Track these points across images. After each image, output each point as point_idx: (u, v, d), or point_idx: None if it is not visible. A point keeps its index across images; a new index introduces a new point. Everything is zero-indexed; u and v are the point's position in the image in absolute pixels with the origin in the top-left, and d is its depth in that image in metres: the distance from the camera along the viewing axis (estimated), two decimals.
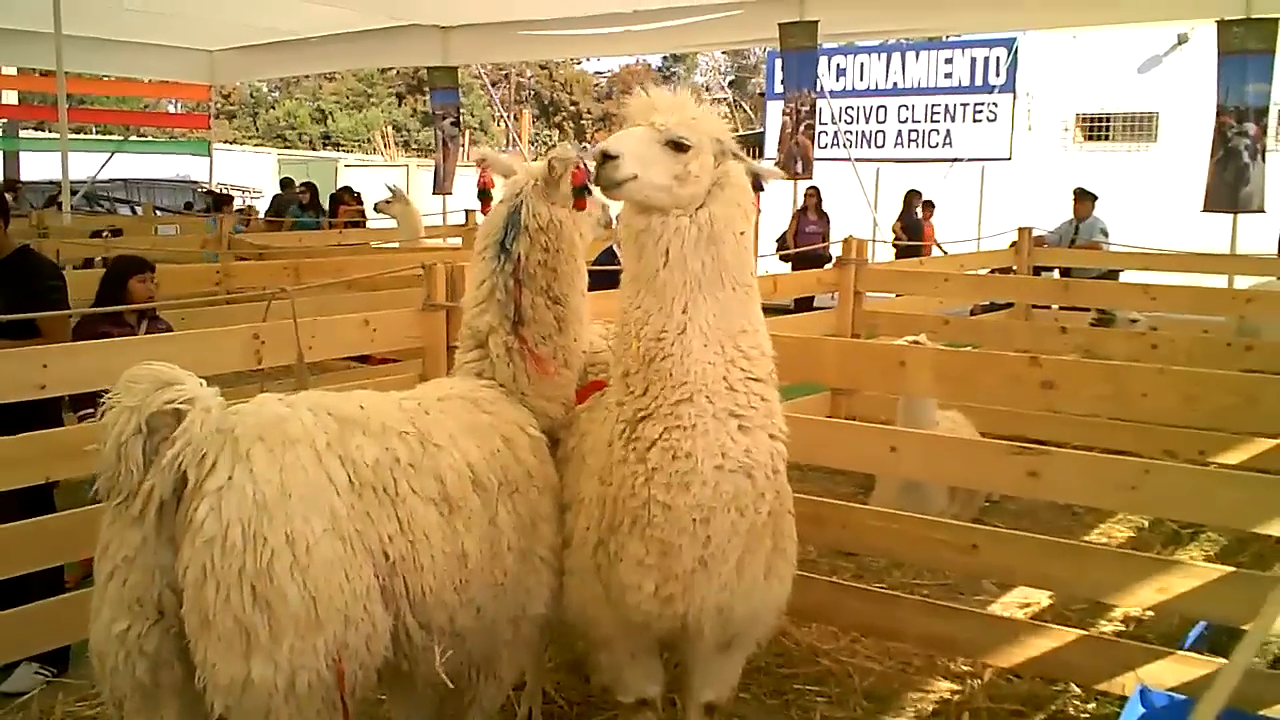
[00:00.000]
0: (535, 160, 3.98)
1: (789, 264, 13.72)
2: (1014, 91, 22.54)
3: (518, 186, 3.82)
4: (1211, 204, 12.38)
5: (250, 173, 29.88)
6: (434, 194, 19.26)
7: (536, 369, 3.77)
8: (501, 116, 30.87)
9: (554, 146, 3.85)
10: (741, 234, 3.29)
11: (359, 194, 17.63)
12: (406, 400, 3.46)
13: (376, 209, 14.05)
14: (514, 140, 26.45)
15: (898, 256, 15.16)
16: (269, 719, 2.81)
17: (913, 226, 15.76)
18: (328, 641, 2.82)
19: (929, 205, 16.53)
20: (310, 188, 17.91)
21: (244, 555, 2.74)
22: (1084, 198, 12.84)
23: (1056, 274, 11.41)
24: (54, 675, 4.85)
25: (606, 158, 3.11)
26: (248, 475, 2.81)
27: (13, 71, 23.23)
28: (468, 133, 27.18)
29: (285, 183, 21.02)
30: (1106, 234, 12.67)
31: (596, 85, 58.13)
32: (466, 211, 13.81)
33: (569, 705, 4.68)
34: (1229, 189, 12.21)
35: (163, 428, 2.83)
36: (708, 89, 49.90)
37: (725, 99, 38.56)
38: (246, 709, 2.80)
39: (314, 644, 2.80)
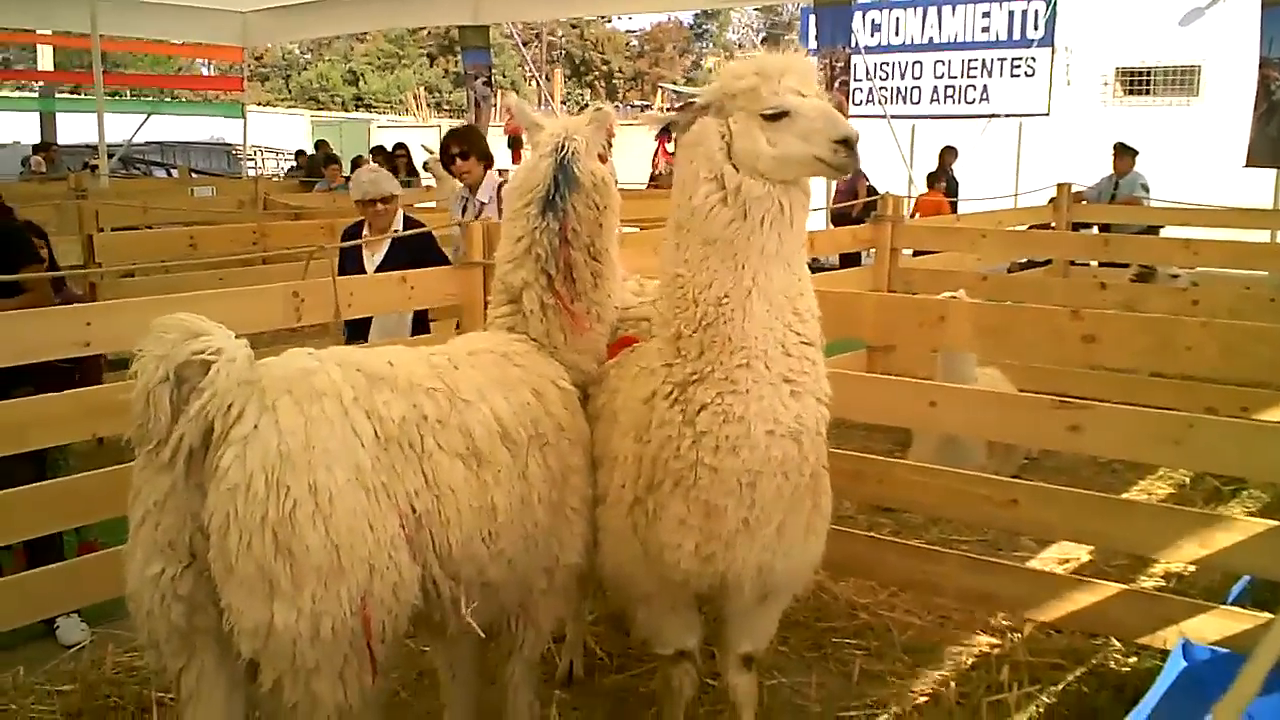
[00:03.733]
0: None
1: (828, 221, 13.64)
2: (1052, 45, 22.09)
3: (558, 141, 3.77)
4: (1254, 158, 12.18)
5: (283, 135, 29.96)
6: None
7: (571, 324, 3.78)
8: (533, 76, 30.67)
9: (588, 106, 3.80)
10: None
11: (407, 150, 17.35)
12: (436, 355, 3.46)
13: (425, 167, 14.08)
14: (546, 100, 26.30)
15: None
16: (295, 664, 2.85)
17: (949, 183, 15.56)
18: (351, 589, 2.85)
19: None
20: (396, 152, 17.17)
21: (266, 503, 2.77)
22: (1124, 153, 12.64)
23: (1095, 231, 11.26)
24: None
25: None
26: (273, 426, 2.83)
27: (48, 34, 23.31)
28: (499, 93, 27.03)
29: (319, 144, 21.03)
30: (1147, 189, 12.48)
31: (628, 44, 57.77)
32: (499, 171, 13.74)
33: (609, 657, 4.72)
34: (1272, 143, 12.00)
35: (191, 377, 2.85)
36: (740, 46, 49.44)
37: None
38: (272, 653, 2.85)
39: (337, 591, 2.82)
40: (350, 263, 6.22)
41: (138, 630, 3.06)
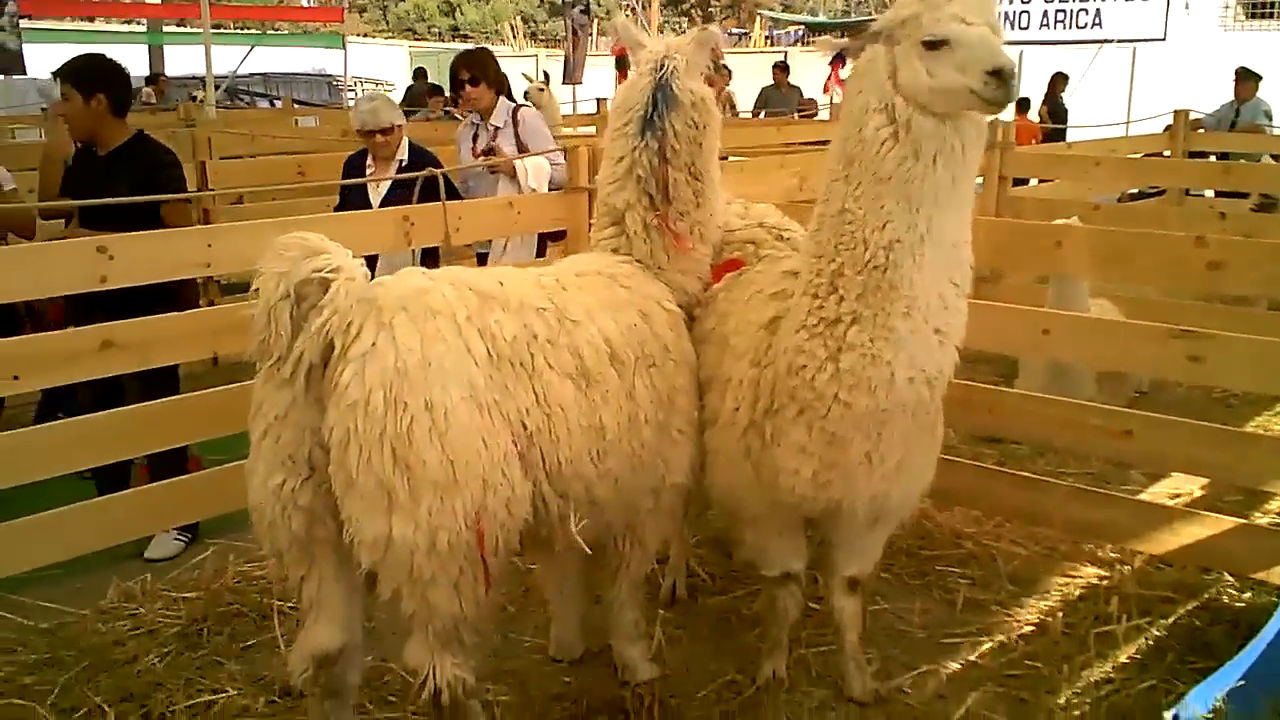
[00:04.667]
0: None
1: None
2: None
3: (657, 61, 3.73)
4: None
5: (382, 66, 30.15)
6: (564, 84, 19.13)
7: (675, 244, 3.77)
8: (630, 4, 30.38)
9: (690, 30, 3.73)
10: None
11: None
12: (545, 277, 3.49)
13: (527, 95, 14.14)
14: (644, 28, 26.00)
15: (1042, 141, 14.53)
16: (413, 575, 2.92)
17: (1058, 110, 15.09)
18: (466, 503, 2.90)
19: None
20: None
21: (385, 419, 2.83)
22: (1247, 78, 12.09)
23: (1213, 160, 10.82)
24: (190, 541, 5.21)
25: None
26: (390, 343, 2.88)
27: None
28: (596, 22, 26.83)
29: (418, 74, 21.12)
30: (1270, 117, 11.96)
31: None
32: (597, 100, 13.75)
33: (712, 579, 4.77)
34: None
35: (310, 295, 2.91)
36: None
37: None
38: (390, 565, 2.93)
39: (452, 505, 2.88)
40: (355, 196, 6.10)
41: (260, 540, 3.19)
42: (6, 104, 15.74)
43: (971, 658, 4.14)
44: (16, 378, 4.14)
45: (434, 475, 2.86)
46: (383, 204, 5.96)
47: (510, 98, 6.88)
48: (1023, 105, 14.74)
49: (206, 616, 4.45)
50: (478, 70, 6.52)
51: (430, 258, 5.67)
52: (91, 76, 5.18)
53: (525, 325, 3.18)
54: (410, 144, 6.29)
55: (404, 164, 6.09)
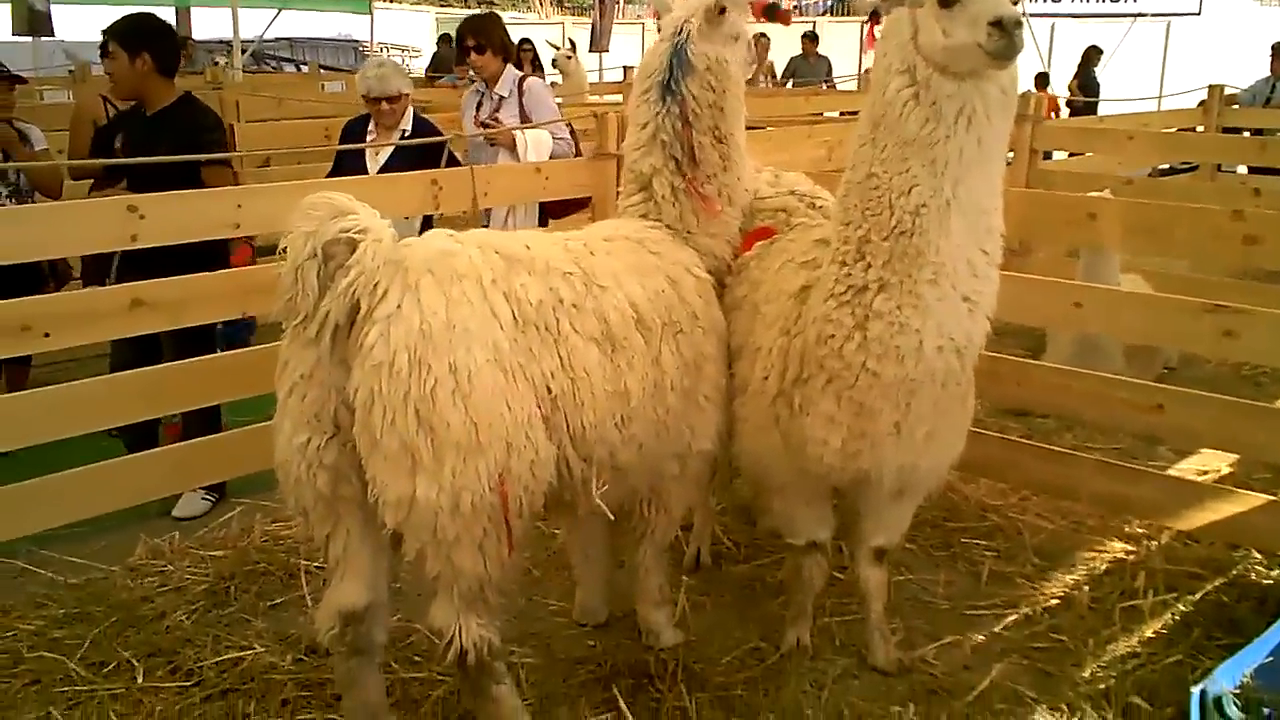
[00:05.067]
0: None
1: None
2: None
3: (676, 25, 3.73)
4: None
5: (409, 32, 30.04)
6: (590, 51, 19.01)
7: (703, 207, 3.76)
8: None
9: None
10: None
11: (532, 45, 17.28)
12: (572, 241, 3.48)
13: (554, 63, 14.09)
14: None
15: (1072, 115, 14.39)
16: (437, 536, 2.93)
17: (1090, 84, 14.92)
18: (489, 465, 2.90)
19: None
20: None
21: (409, 380, 2.83)
22: None
23: (1248, 135, 10.67)
24: (216, 500, 5.24)
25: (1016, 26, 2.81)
26: (415, 305, 2.87)
27: None
28: None
29: (444, 39, 21.02)
30: None
31: None
32: (624, 68, 13.64)
33: (737, 547, 4.77)
34: None
35: (338, 254, 2.91)
36: None
37: None
38: (415, 526, 2.94)
39: (475, 467, 2.88)
40: (350, 162, 5.94)
41: (285, 498, 3.18)
42: (35, 66, 15.75)
43: (996, 630, 4.13)
44: (48, 335, 4.16)
45: (457, 437, 2.86)
46: (381, 173, 5.79)
47: (521, 65, 6.71)
48: (1042, 80, 14.57)
49: (234, 575, 4.49)
50: (483, 37, 6.31)
51: (427, 228, 5.58)
52: (137, 35, 5.17)
53: (551, 289, 3.17)
54: (414, 114, 6.17)
55: (406, 134, 5.96)
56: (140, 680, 3.76)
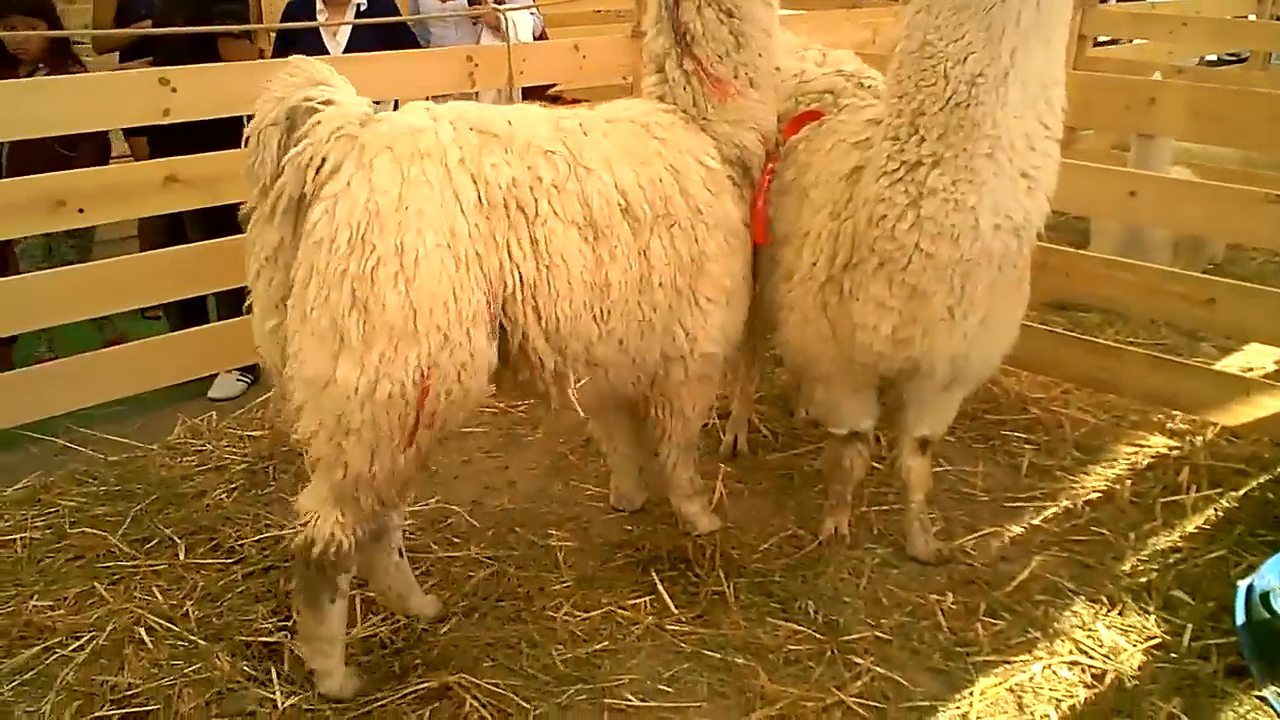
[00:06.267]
0: None
1: None
2: None
3: None
4: None
5: None
6: None
7: (714, 90, 3.46)
8: None
9: None
10: None
11: None
12: (567, 119, 3.25)
13: None
14: None
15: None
16: (339, 420, 2.79)
17: None
18: (420, 356, 2.76)
19: None
20: None
21: (349, 258, 2.70)
22: None
23: None
24: (252, 382, 5.23)
25: None
26: (365, 183, 2.74)
27: None
28: None
29: None
30: None
31: None
32: None
33: (774, 436, 4.74)
34: None
35: (303, 125, 2.79)
36: None
37: None
38: (322, 405, 2.79)
39: (405, 355, 2.74)
40: (306, 42, 5.42)
41: (269, 379, 3.09)
42: None
43: (1035, 522, 4.10)
44: (81, 210, 4.11)
45: (392, 319, 2.72)
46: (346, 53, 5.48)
47: None
48: None
49: (271, 455, 4.51)
50: None
51: None
52: None
53: (530, 168, 2.98)
54: None
55: (363, 8, 5.66)
56: (183, 556, 3.80)
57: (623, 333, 3.20)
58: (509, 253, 2.92)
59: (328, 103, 2.80)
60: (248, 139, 2.82)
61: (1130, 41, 9.28)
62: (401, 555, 3.45)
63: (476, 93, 5.44)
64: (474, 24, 5.94)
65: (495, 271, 2.89)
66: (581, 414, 3.28)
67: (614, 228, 3.11)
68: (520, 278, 2.94)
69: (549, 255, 2.97)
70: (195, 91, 4.18)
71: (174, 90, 4.10)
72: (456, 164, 2.86)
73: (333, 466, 2.87)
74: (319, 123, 2.77)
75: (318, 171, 2.76)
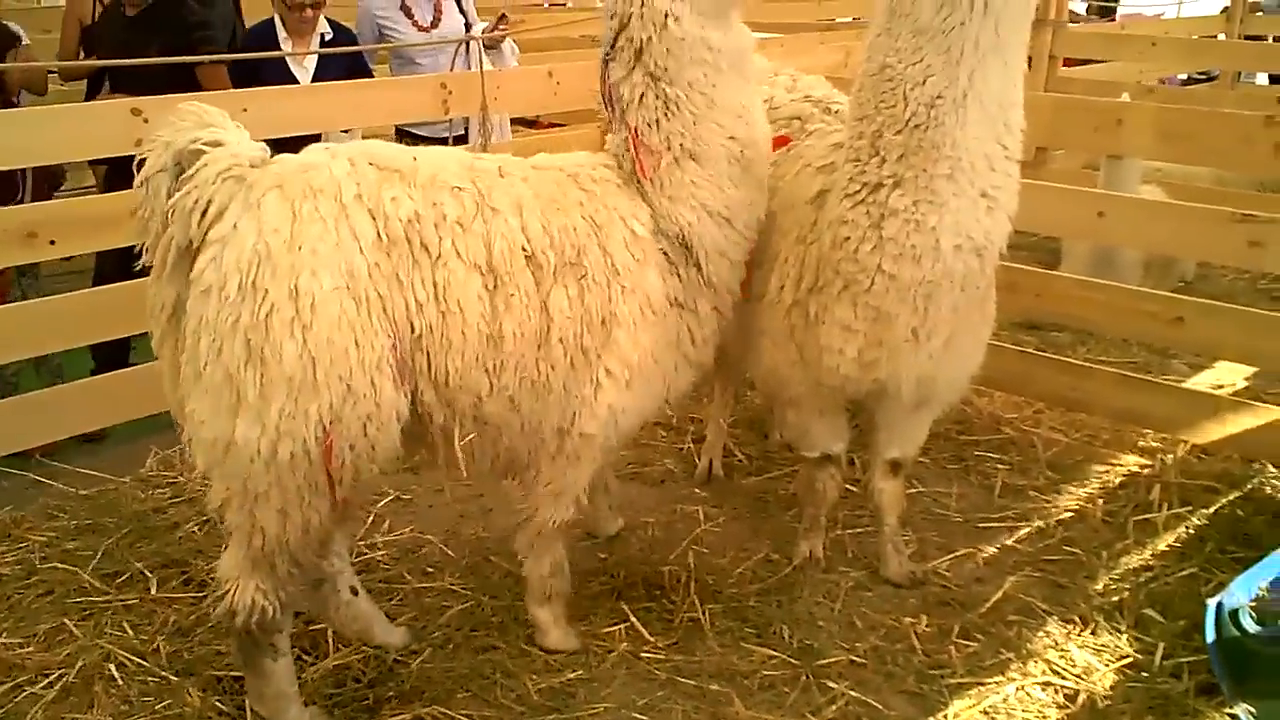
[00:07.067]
0: None
1: None
2: None
3: None
4: None
5: None
6: None
7: (647, 160, 3.09)
8: None
9: None
10: None
11: None
12: (483, 160, 3.05)
13: None
14: None
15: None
16: (246, 485, 2.67)
17: None
18: (322, 409, 2.60)
19: None
20: None
21: (240, 306, 2.55)
22: None
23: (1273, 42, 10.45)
24: None
25: None
26: (253, 225, 2.58)
27: None
28: None
29: None
30: None
31: None
32: None
33: (748, 459, 4.75)
34: None
35: (190, 168, 2.65)
36: None
37: None
38: (227, 470, 2.67)
39: (306, 409, 2.58)
40: (272, 73, 5.34)
41: None
42: None
43: (1009, 542, 4.12)
44: (53, 242, 4.10)
45: (290, 370, 2.56)
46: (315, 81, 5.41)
47: None
48: None
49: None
50: None
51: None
52: None
53: (434, 204, 2.80)
54: (325, 18, 5.70)
55: (327, 38, 5.59)
56: (154, 591, 3.76)
57: (515, 391, 2.94)
58: (414, 293, 2.74)
59: (215, 144, 2.66)
60: (137, 186, 2.68)
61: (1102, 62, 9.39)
62: (355, 593, 3.34)
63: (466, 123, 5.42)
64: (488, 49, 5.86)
65: (401, 313, 2.73)
66: (464, 474, 3.03)
67: (515, 275, 2.87)
68: (411, 327, 2.75)
69: (446, 301, 2.78)
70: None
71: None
72: (353, 199, 2.70)
73: (250, 534, 2.76)
74: (205, 164, 2.63)
75: (203, 215, 2.61)
